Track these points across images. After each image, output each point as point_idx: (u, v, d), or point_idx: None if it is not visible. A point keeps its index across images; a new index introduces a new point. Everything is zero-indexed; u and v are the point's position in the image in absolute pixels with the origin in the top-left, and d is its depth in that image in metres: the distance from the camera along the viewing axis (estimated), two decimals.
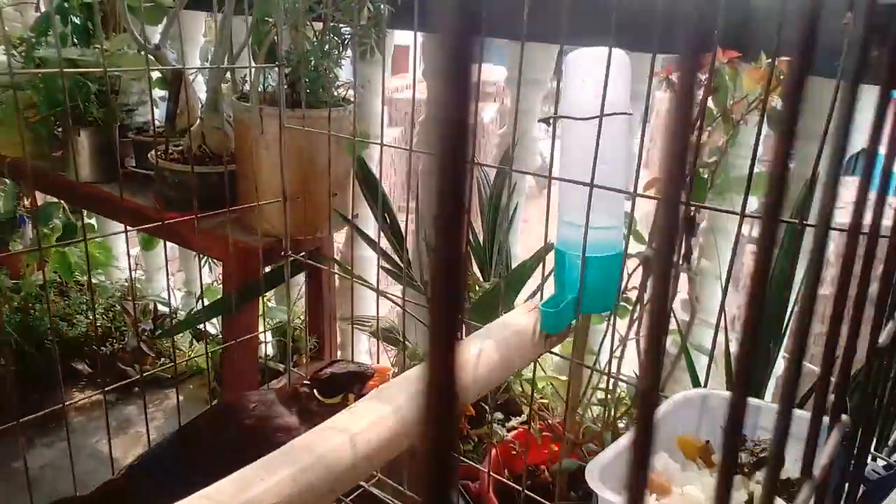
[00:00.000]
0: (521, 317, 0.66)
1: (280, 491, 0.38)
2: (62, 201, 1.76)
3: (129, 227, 1.18)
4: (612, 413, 0.89)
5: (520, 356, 0.63)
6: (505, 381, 1.05)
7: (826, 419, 0.30)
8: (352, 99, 1.22)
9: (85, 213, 1.81)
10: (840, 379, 0.31)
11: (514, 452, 1.01)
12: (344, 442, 0.44)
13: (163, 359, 1.74)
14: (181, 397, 1.57)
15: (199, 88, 1.49)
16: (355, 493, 1.09)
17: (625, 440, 0.58)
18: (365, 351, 1.65)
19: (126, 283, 1.89)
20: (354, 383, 0.84)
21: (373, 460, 0.45)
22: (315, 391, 0.84)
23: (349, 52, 1.21)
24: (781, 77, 0.76)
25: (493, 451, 1.00)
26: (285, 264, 1.14)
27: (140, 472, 0.88)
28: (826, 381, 0.27)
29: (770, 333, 0.89)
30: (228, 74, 1.26)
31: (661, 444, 0.56)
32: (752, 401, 0.58)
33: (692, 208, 0.94)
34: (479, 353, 0.55)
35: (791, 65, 0.17)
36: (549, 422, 1.05)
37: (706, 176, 0.88)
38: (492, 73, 4.34)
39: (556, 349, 0.94)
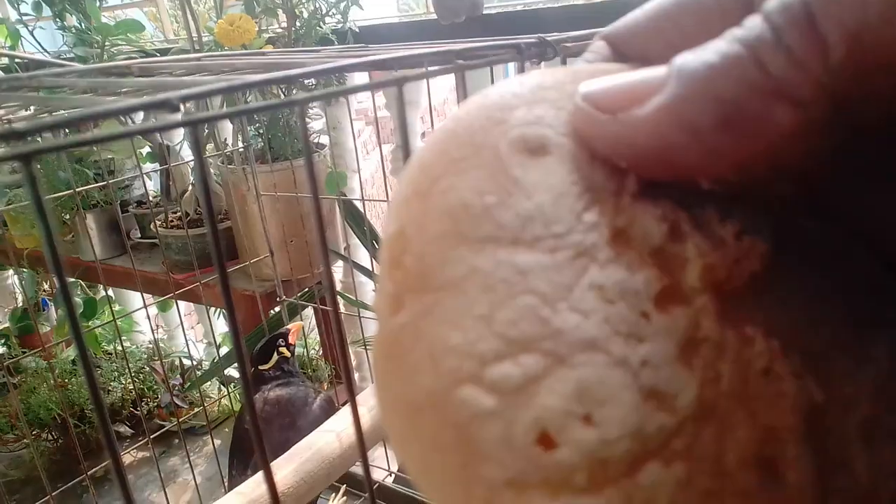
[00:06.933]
0: None
1: (286, 481, 0.50)
2: (80, 280, 1.88)
3: (147, 299, 1.28)
4: None
5: None
6: None
7: None
8: (325, 144, 1.33)
9: (101, 286, 1.93)
10: None
11: None
12: (332, 439, 0.55)
13: (196, 409, 1.85)
14: (218, 441, 1.68)
15: (186, 156, 1.61)
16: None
17: None
18: None
19: (150, 346, 2.01)
20: (276, 340, 1.06)
21: (355, 449, 0.57)
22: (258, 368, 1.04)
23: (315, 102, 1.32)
24: None
25: None
26: (282, 307, 1.26)
27: None
28: None
29: None
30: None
31: None
32: None
33: None
34: None
35: None
36: None
37: None
38: None
39: None
